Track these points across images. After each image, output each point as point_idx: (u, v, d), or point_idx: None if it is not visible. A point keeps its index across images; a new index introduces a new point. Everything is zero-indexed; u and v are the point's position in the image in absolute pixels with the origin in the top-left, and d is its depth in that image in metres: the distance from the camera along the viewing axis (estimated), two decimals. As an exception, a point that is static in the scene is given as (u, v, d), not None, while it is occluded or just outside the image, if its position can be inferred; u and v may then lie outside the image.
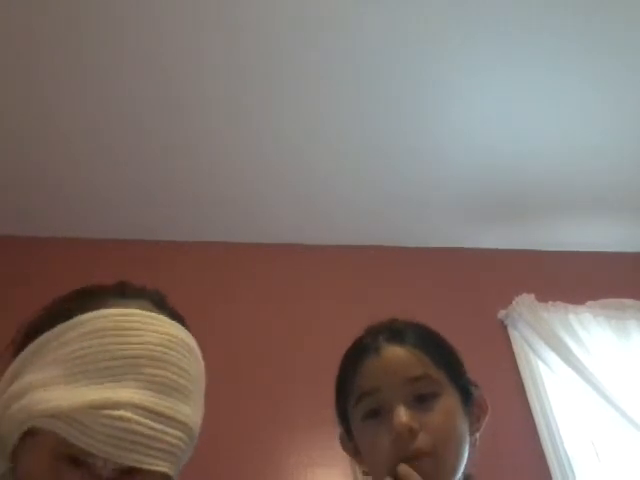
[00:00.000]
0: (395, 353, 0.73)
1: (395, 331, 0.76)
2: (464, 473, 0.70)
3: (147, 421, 0.52)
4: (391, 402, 0.69)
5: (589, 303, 2.21)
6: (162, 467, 0.53)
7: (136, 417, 0.51)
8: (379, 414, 0.70)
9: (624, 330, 2.14)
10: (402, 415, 0.66)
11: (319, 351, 1.82)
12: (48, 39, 1.53)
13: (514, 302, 2.16)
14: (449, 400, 0.71)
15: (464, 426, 0.71)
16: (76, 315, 0.57)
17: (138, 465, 0.51)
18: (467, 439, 0.71)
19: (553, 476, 1.79)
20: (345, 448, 0.79)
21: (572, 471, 1.80)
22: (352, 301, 2.08)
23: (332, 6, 1.52)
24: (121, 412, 0.51)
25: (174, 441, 0.54)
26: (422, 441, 0.65)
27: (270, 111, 1.79)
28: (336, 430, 0.81)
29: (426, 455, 0.65)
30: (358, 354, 0.76)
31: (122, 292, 0.64)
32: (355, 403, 0.73)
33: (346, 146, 1.94)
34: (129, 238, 2.16)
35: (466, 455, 0.69)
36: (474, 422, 0.75)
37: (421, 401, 0.69)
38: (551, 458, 1.82)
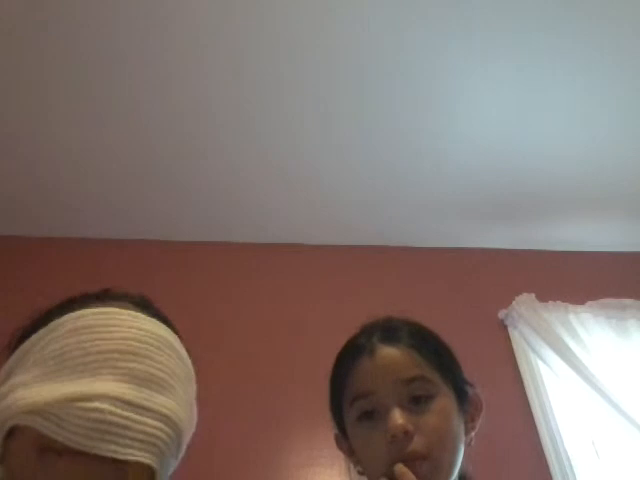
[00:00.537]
0: (389, 354, 0.72)
1: (389, 331, 0.76)
2: (460, 472, 0.70)
3: (122, 412, 0.52)
4: (386, 404, 0.68)
5: (589, 303, 2.21)
6: (140, 457, 0.52)
7: (110, 408, 0.52)
8: (374, 416, 0.69)
9: (624, 330, 2.14)
10: (397, 417, 0.66)
11: (318, 351, 1.81)
12: (48, 39, 1.53)
13: (514, 302, 2.15)
14: (444, 400, 0.70)
15: (459, 426, 0.71)
16: (57, 319, 0.59)
17: (114, 455, 0.51)
18: (462, 439, 0.71)
19: (553, 475, 1.79)
20: (340, 448, 0.79)
21: (572, 470, 1.79)
22: (351, 301, 2.08)
23: (333, 7, 1.53)
24: (95, 404, 0.51)
25: (153, 431, 0.54)
26: (417, 443, 0.65)
27: (270, 111, 1.79)
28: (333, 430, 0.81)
29: (422, 457, 0.65)
30: (352, 354, 0.76)
31: (104, 296, 0.65)
32: (349, 404, 0.72)
33: (346, 146, 1.94)
34: (129, 238, 2.16)
35: (461, 455, 0.69)
36: (469, 421, 0.74)
37: (416, 402, 0.69)
38: (551, 457, 1.82)
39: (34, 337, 0.59)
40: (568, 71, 1.76)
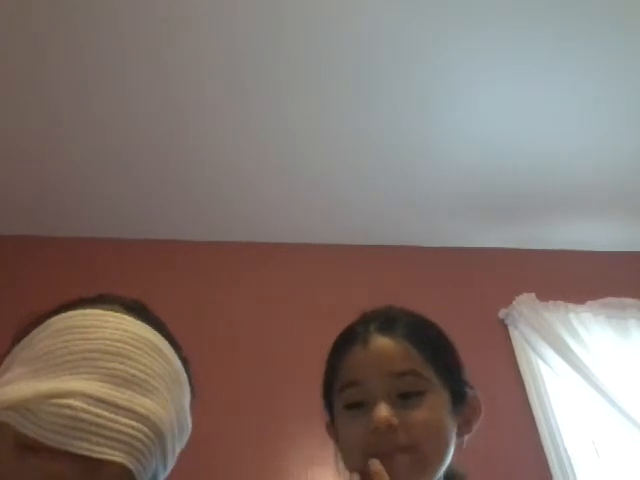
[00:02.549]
0: (383, 345, 0.71)
1: (387, 321, 0.74)
2: (447, 472, 0.68)
3: (97, 410, 0.52)
4: (374, 396, 0.67)
5: (589, 302, 2.21)
6: (114, 457, 0.52)
7: (84, 406, 0.51)
8: (361, 406, 0.68)
9: (624, 329, 2.14)
10: (382, 410, 0.65)
11: (318, 350, 1.82)
12: (49, 39, 1.53)
13: (515, 301, 2.16)
14: (435, 398, 0.68)
15: (450, 426, 0.69)
16: (49, 319, 0.60)
17: (87, 453, 0.51)
18: (452, 439, 0.68)
19: (553, 474, 1.79)
20: (330, 435, 0.78)
21: (572, 470, 1.80)
22: (351, 300, 2.07)
23: (333, 7, 1.52)
24: (70, 401, 0.51)
25: (130, 431, 0.53)
26: (400, 437, 0.64)
27: (270, 111, 1.79)
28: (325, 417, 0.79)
29: (403, 450, 0.64)
30: (347, 342, 0.74)
31: (96, 300, 0.65)
32: (339, 392, 0.71)
33: (346, 145, 1.94)
34: (129, 238, 2.16)
35: (449, 455, 0.67)
36: (464, 424, 0.72)
37: (405, 398, 0.67)
38: (551, 456, 1.82)
39: (25, 339, 0.60)
40: (568, 71, 1.76)
